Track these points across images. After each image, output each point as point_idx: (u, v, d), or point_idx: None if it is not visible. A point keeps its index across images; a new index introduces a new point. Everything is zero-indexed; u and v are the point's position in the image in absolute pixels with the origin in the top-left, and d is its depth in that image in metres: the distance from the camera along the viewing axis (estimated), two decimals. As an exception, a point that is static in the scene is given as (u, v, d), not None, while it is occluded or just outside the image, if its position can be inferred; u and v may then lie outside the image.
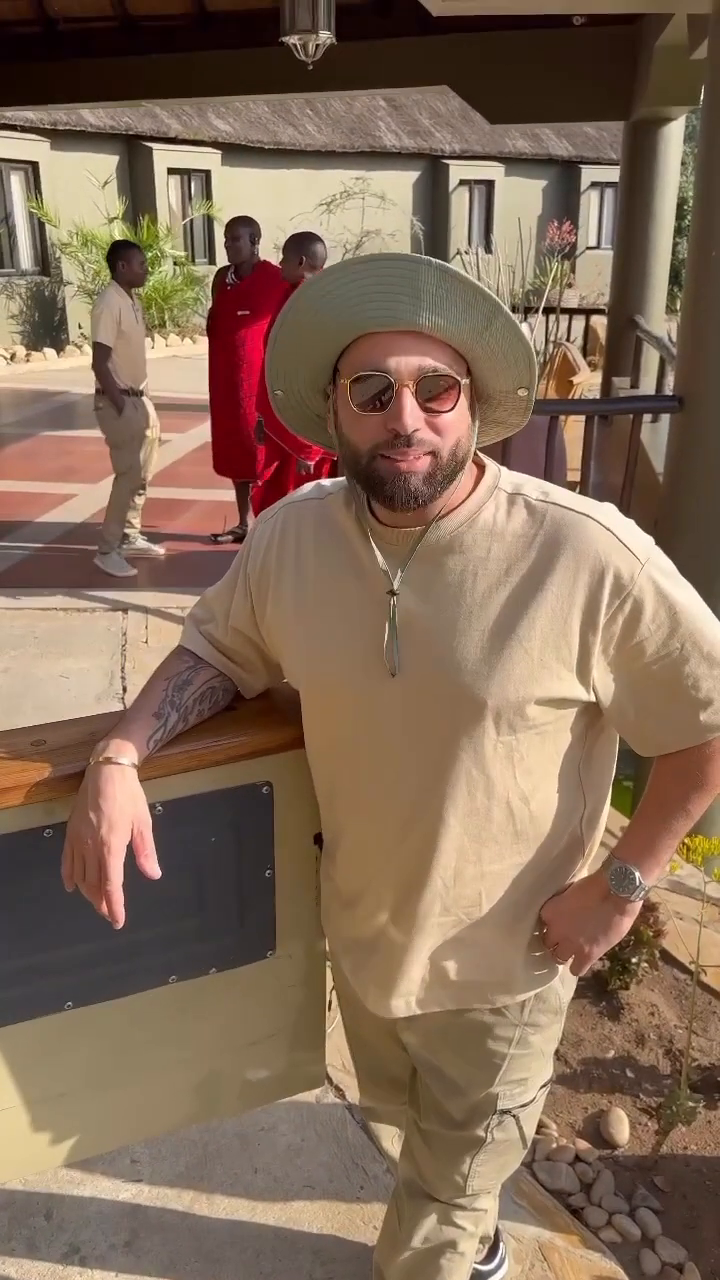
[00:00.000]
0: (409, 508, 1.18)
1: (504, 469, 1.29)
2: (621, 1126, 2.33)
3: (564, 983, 1.47)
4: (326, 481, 1.39)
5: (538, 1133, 2.29)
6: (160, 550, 6.10)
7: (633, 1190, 2.19)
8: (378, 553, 1.26)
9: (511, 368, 1.18)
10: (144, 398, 5.74)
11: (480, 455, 1.29)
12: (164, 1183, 2.13)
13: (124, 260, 5.51)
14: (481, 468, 1.28)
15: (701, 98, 3.93)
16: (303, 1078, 1.74)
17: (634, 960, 2.67)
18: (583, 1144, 2.30)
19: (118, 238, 13.72)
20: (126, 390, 5.57)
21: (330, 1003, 1.70)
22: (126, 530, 6.00)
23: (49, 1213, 2.06)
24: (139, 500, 6.01)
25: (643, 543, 1.23)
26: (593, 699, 1.25)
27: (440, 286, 1.10)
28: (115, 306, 5.45)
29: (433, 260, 1.10)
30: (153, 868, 1.29)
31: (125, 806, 1.27)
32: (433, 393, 1.14)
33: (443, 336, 1.14)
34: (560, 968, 1.43)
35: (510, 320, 1.14)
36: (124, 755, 1.30)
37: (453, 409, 1.16)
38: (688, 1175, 2.24)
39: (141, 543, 6.07)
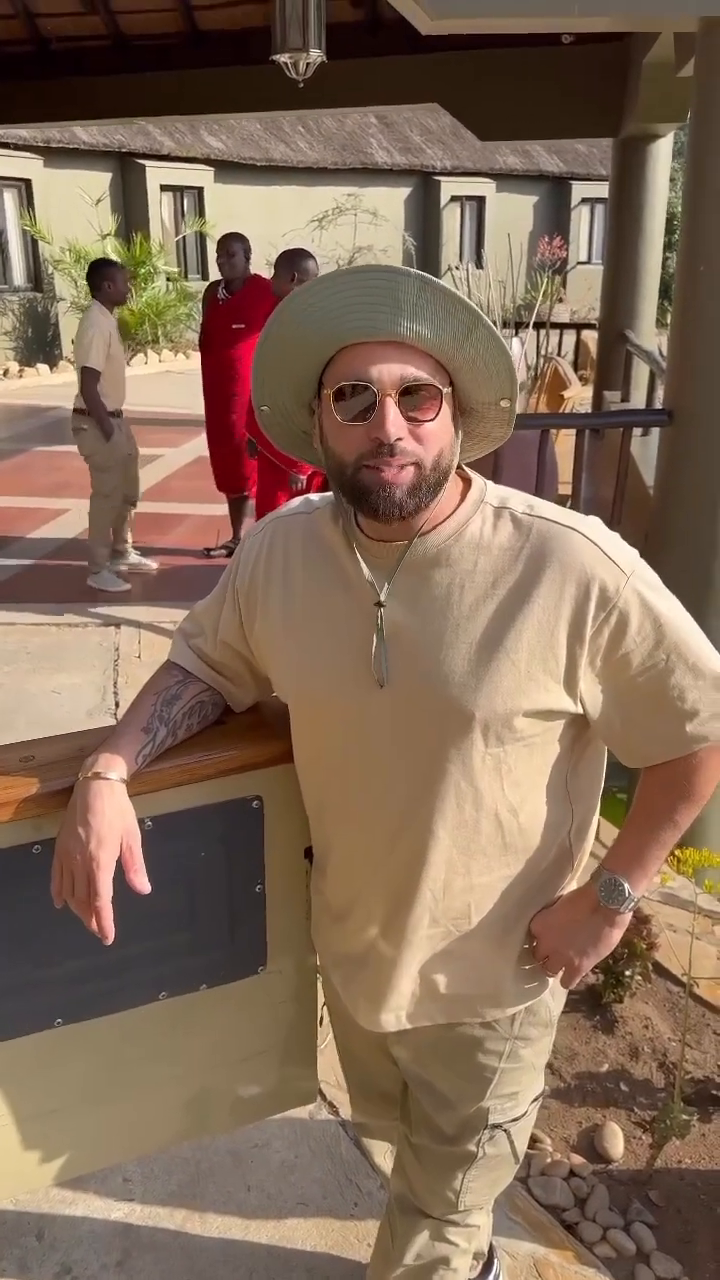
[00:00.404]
0: (394, 519, 1.19)
1: (490, 483, 1.29)
2: (616, 1140, 2.32)
3: (554, 996, 1.46)
4: (314, 496, 1.40)
5: (532, 1147, 2.28)
6: (153, 565, 6.10)
7: (627, 1205, 2.19)
8: (364, 566, 1.26)
9: (493, 379, 1.19)
10: (123, 417, 5.72)
11: (466, 469, 1.30)
12: (156, 1201, 2.12)
13: (109, 279, 5.44)
14: (468, 482, 1.28)
15: (689, 115, 3.97)
16: (295, 1093, 1.74)
17: (627, 973, 2.67)
18: (577, 1158, 2.29)
19: (110, 254, 13.81)
20: (111, 412, 5.52)
21: (321, 1018, 1.69)
22: (119, 546, 6.01)
23: (40, 1233, 2.04)
24: (130, 515, 6.01)
25: (627, 555, 1.23)
26: (580, 711, 1.26)
27: (420, 296, 1.11)
28: (105, 330, 5.40)
29: (411, 270, 1.11)
30: (142, 883, 1.29)
31: (114, 821, 1.27)
32: (415, 402, 1.15)
33: (424, 346, 1.14)
34: (550, 980, 1.43)
35: (490, 330, 1.14)
36: (113, 770, 1.30)
37: (435, 418, 1.17)
38: (682, 1189, 2.23)
39: (134, 557, 6.08)
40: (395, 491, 1.16)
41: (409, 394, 1.14)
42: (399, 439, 1.14)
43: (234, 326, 5.83)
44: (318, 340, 1.16)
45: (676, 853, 2.19)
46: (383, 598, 1.24)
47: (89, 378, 5.38)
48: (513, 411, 1.23)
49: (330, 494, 1.35)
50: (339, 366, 1.16)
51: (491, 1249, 1.95)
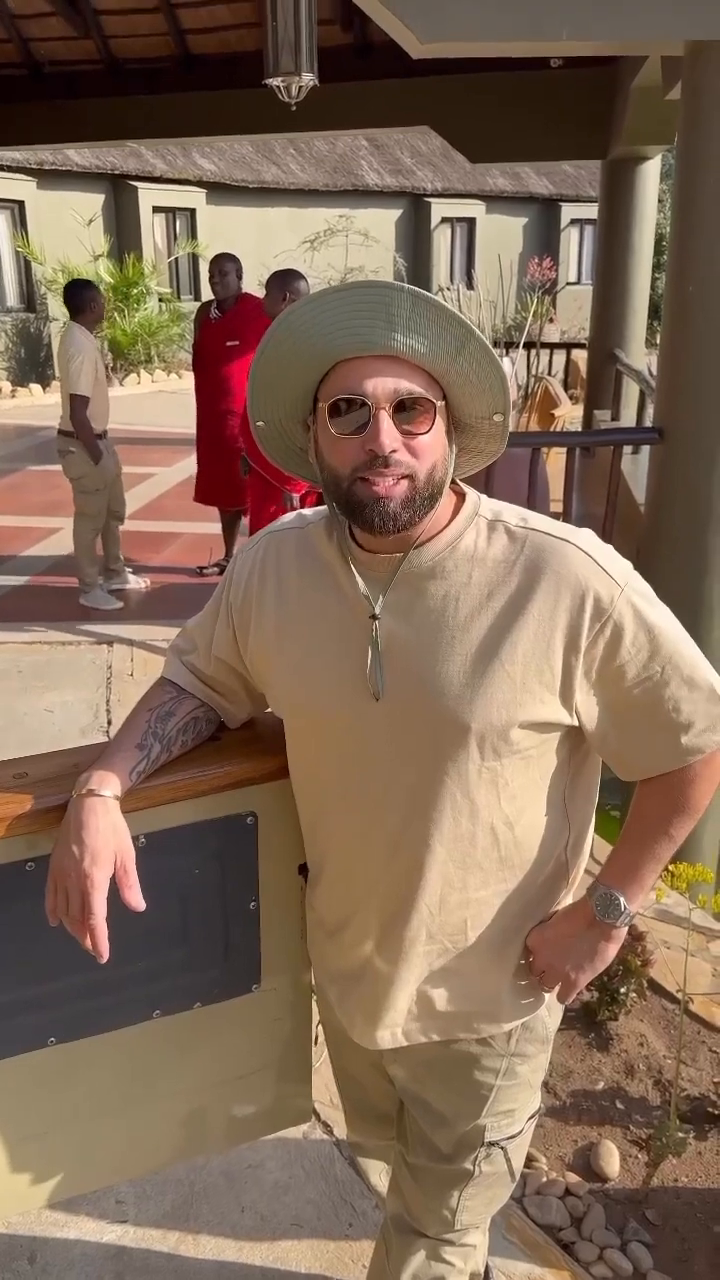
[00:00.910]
0: (388, 531, 1.19)
1: (484, 496, 1.30)
2: (612, 1159, 2.31)
3: (551, 1012, 1.46)
4: (307, 510, 1.40)
5: (527, 1166, 2.27)
6: (144, 583, 6.10)
7: (624, 1224, 2.17)
8: (359, 579, 1.27)
9: (486, 393, 1.20)
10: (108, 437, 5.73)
11: (460, 483, 1.31)
12: (149, 1223, 2.10)
13: (87, 301, 5.42)
14: (462, 495, 1.29)
15: (676, 137, 4.01)
16: (290, 1113, 1.72)
17: (622, 990, 2.66)
18: (573, 1177, 2.28)
19: (103, 275, 13.87)
20: (99, 435, 5.52)
21: (316, 1037, 1.68)
22: (112, 565, 6.01)
23: (32, 1256, 2.02)
24: (118, 534, 6.02)
25: (621, 567, 1.24)
26: (575, 723, 1.26)
27: (413, 311, 1.13)
28: (92, 354, 5.40)
29: (405, 285, 1.12)
30: (137, 900, 1.28)
31: (108, 839, 1.26)
32: (409, 416, 1.16)
33: (417, 361, 1.15)
34: (547, 996, 1.43)
35: (483, 344, 1.16)
36: (106, 787, 1.30)
37: (429, 432, 1.18)
38: (679, 1208, 2.22)
39: (128, 575, 6.08)
40: (389, 504, 1.17)
41: (403, 408, 1.16)
42: (393, 451, 1.15)
43: (228, 344, 5.87)
44: (312, 356, 1.17)
45: (670, 867, 2.19)
46: (377, 611, 1.24)
47: (79, 404, 5.36)
48: (505, 426, 1.24)
49: (323, 508, 1.36)
50: (334, 381, 1.17)
51: (488, 1269, 1.93)
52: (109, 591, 5.85)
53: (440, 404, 1.19)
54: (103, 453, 5.52)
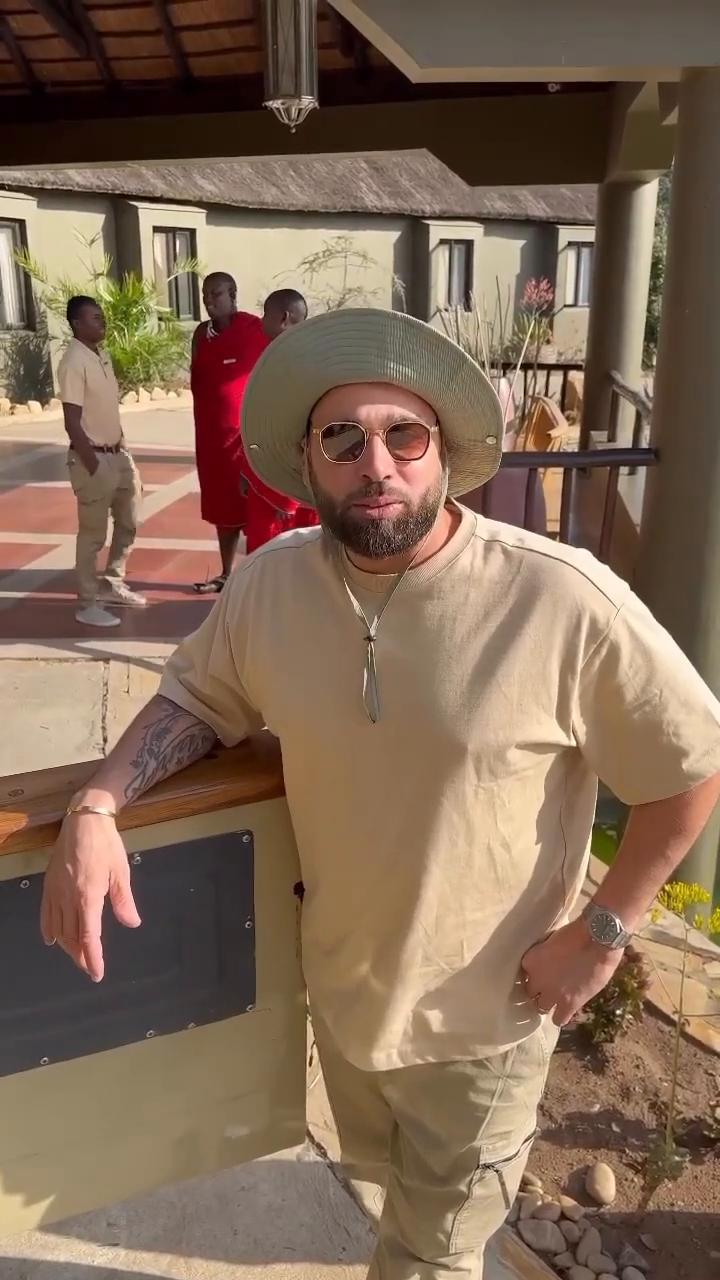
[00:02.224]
0: (383, 554, 1.20)
1: (480, 516, 1.31)
2: (607, 1183, 2.29)
3: (546, 1033, 1.45)
4: (304, 530, 1.40)
5: (522, 1190, 2.25)
6: (141, 600, 6.11)
7: (620, 1249, 2.15)
8: (354, 599, 1.27)
9: (478, 416, 1.21)
10: (121, 452, 5.78)
11: (456, 503, 1.31)
12: (141, 1246, 2.08)
13: (77, 317, 5.61)
14: (458, 516, 1.30)
15: (673, 162, 4.05)
16: (284, 1134, 1.71)
17: (618, 1012, 2.65)
18: (568, 1201, 2.26)
19: (103, 294, 13.96)
20: (99, 447, 5.61)
21: (311, 1058, 1.67)
22: (110, 579, 6.02)
23: (23, 1278, 2.00)
24: (126, 551, 6.04)
25: (617, 588, 1.25)
26: (573, 743, 1.26)
27: (406, 339, 1.13)
28: (80, 365, 5.52)
29: (398, 314, 1.13)
30: (131, 916, 1.27)
31: (102, 856, 1.26)
32: (402, 440, 1.17)
33: (410, 387, 1.16)
34: (543, 1018, 1.42)
35: (475, 369, 1.16)
36: (101, 804, 1.29)
37: (422, 457, 1.18)
38: (675, 1232, 2.20)
39: (124, 592, 6.08)
40: (383, 526, 1.17)
41: (396, 432, 1.16)
42: (387, 477, 1.16)
43: (225, 362, 5.91)
44: (307, 381, 1.18)
45: (667, 888, 2.18)
46: (373, 632, 1.25)
47: (69, 413, 5.54)
48: (499, 448, 1.24)
49: (318, 527, 1.36)
50: (327, 407, 1.18)
51: (482, 1294, 1.92)
52: (104, 607, 5.85)
53: (434, 429, 1.19)
54: (97, 463, 5.58)
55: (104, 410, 5.63)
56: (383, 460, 1.15)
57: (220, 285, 5.91)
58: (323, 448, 1.18)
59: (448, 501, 1.28)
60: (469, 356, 1.16)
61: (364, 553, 1.21)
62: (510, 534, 1.28)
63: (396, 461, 1.17)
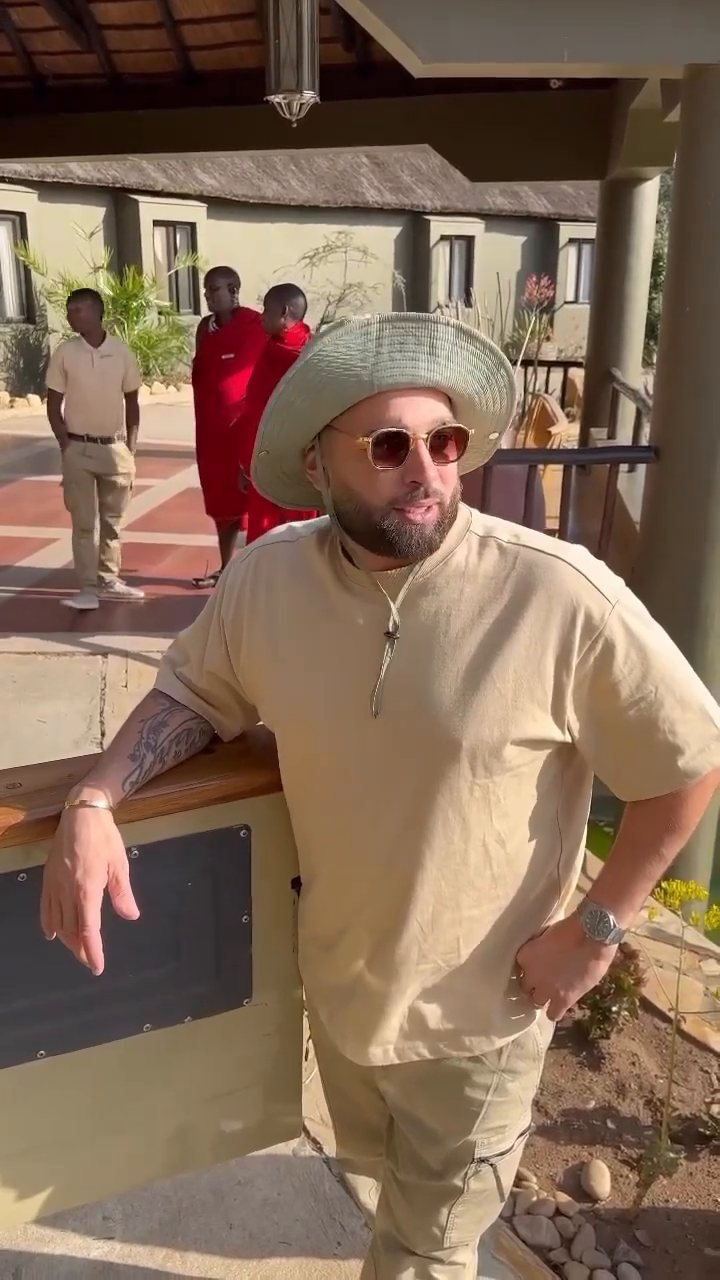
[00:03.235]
0: (420, 556, 1.21)
1: (475, 512, 1.30)
2: (602, 1179, 2.29)
3: (541, 1028, 1.46)
4: (298, 524, 1.40)
5: (518, 1185, 2.25)
6: (139, 594, 6.11)
7: (614, 1245, 2.16)
8: (351, 596, 1.27)
9: (495, 417, 1.23)
10: (108, 445, 5.80)
11: None
12: (136, 1240, 2.08)
13: (70, 310, 5.76)
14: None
15: (674, 159, 4.05)
16: (279, 1129, 1.71)
17: (614, 1009, 2.65)
18: (563, 1197, 2.27)
19: (103, 288, 13.93)
20: (76, 435, 5.76)
21: (307, 1053, 1.67)
22: (103, 574, 6.02)
23: (18, 1271, 2.00)
24: (113, 544, 6.04)
25: (613, 584, 1.25)
26: (568, 739, 1.26)
27: (455, 345, 1.15)
28: (60, 356, 5.74)
29: (449, 320, 1.14)
30: (130, 908, 1.28)
31: (100, 850, 1.26)
32: (442, 444, 1.18)
33: (448, 390, 1.17)
34: (538, 1013, 1.42)
35: (510, 375, 1.19)
36: (98, 798, 1.29)
37: (458, 458, 1.20)
38: (670, 1229, 2.21)
39: (120, 586, 6.08)
40: (426, 530, 1.19)
41: (438, 436, 1.17)
42: (434, 481, 1.17)
43: (223, 357, 5.93)
44: (355, 387, 1.15)
45: (663, 885, 2.19)
46: (392, 625, 1.23)
47: (49, 399, 5.81)
48: (498, 443, 1.25)
49: (313, 521, 1.36)
50: (369, 411, 1.16)
51: (477, 1289, 1.92)
52: (92, 595, 5.92)
53: (471, 432, 1.20)
54: (68, 446, 5.76)
55: (84, 400, 5.73)
56: (432, 466, 1.16)
57: (218, 280, 5.92)
58: (371, 455, 1.16)
59: None
60: (507, 361, 1.17)
61: (402, 555, 1.20)
62: (505, 530, 1.28)
63: (436, 463, 1.17)
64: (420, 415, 1.16)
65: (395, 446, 1.16)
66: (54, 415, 5.79)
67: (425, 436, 1.16)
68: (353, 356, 1.14)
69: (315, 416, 1.21)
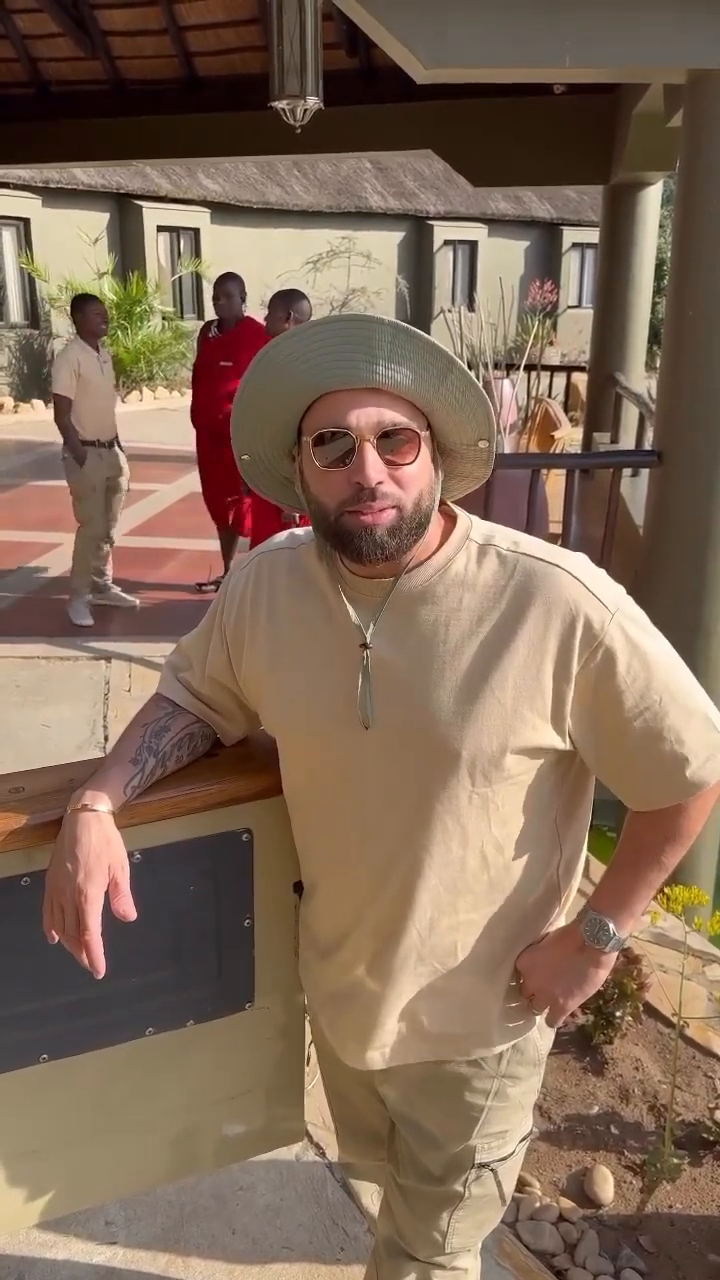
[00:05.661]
0: (376, 560, 1.19)
1: (475, 520, 1.30)
2: (606, 1184, 2.29)
3: (542, 1034, 1.45)
4: (299, 530, 1.40)
5: (520, 1191, 2.25)
6: (135, 600, 6.09)
7: (618, 1250, 2.15)
8: (348, 603, 1.27)
9: (470, 420, 1.20)
10: (114, 449, 5.79)
11: (452, 507, 1.31)
12: (139, 1245, 2.08)
13: (80, 313, 5.68)
14: (453, 519, 1.29)
15: (677, 164, 4.05)
16: (282, 1133, 1.71)
17: (617, 1014, 2.65)
18: (566, 1203, 2.26)
19: (106, 293, 13.97)
20: (89, 442, 5.65)
21: (309, 1057, 1.67)
22: (97, 579, 6.01)
23: (20, 1276, 2.00)
24: (105, 549, 6.02)
25: (612, 592, 1.24)
26: (569, 747, 1.26)
27: (394, 344, 1.13)
28: (74, 359, 5.59)
29: (385, 319, 1.13)
30: (127, 908, 1.27)
31: (101, 854, 1.26)
32: (393, 446, 1.16)
33: (400, 392, 1.16)
34: (538, 1018, 1.42)
35: (465, 373, 1.16)
36: (100, 802, 1.29)
37: (414, 461, 1.18)
38: (673, 1235, 2.20)
39: (115, 592, 6.08)
40: (377, 532, 1.17)
41: (387, 438, 1.16)
42: (379, 483, 1.15)
43: (221, 364, 5.93)
44: (297, 388, 1.17)
45: (666, 890, 2.18)
46: (368, 638, 1.24)
47: (59, 404, 5.61)
48: (491, 452, 1.24)
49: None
50: (317, 414, 1.17)
51: (479, 1295, 1.92)
52: (89, 607, 5.86)
53: (425, 433, 1.19)
54: (85, 455, 5.63)
55: (96, 406, 5.68)
56: (374, 466, 1.15)
57: (230, 287, 5.93)
58: (313, 455, 1.18)
59: (442, 505, 1.28)
60: (458, 360, 1.15)
61: (358, 559, 1.20)
62: (505, 537, 1.27)
63: (388, 466, 1.16)
64: (364, 415, 1.15)
65: (341, 447, 1.16)
66: (67, 423, 5.59)
67: (371, 437, 1.15)
68: (294, 358, 1.15)
69: (270, 419, 1.22)
